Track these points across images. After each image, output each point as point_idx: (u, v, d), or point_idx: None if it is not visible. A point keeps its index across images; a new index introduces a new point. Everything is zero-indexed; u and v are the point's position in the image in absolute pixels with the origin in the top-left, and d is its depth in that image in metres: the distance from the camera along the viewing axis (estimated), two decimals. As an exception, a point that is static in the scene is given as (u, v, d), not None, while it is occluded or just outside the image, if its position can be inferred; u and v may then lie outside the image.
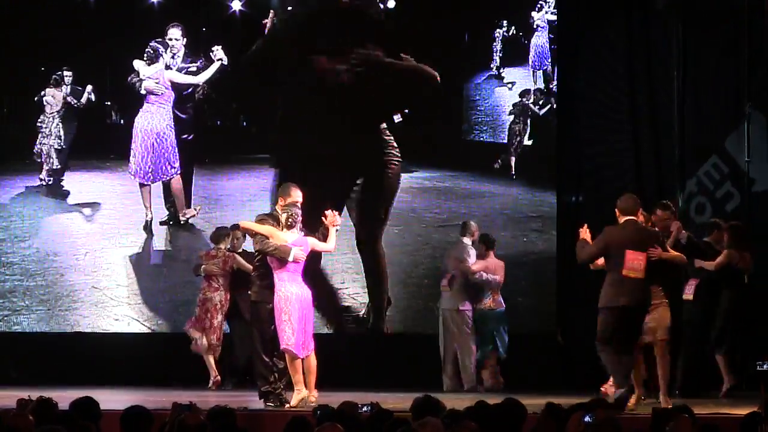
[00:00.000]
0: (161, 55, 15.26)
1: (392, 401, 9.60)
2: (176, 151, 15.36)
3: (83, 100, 15.48)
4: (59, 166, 15.60)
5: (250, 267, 13.35)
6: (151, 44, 15.23)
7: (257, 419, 10.00)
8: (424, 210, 14.69)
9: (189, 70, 15.40)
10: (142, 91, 15.29)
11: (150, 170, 15.40)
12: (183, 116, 15.44)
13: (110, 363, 13.67)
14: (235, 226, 13.85)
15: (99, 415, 8.64)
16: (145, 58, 15.26)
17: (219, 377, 13.95)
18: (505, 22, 15.26)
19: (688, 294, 12.80)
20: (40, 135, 15.57)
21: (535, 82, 15.38)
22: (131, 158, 15.32)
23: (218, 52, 15.23)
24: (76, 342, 14.69)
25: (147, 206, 15.36)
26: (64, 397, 8.78)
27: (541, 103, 15.17)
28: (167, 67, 15.36)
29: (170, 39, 15.28)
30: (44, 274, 15.31)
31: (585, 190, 14.01)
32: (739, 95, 14.40)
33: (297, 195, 11.69)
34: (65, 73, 15.50)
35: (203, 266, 14.18)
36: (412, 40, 14.96)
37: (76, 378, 10.40)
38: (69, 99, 15.56)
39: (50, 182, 15.59)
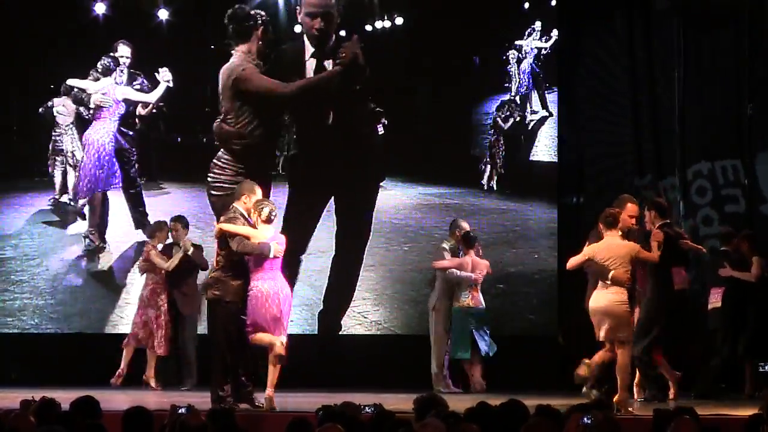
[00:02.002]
0: (113, 71, 15.27)
1: (393, 402, 9.60)
2: (116, 163, 15.41)
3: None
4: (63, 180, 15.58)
5: (163, 263, 13.88)
6: (103, 60, 15.22)
7: (257, 419, 10.01)
8: (433, 227, 14.73)
9: (134, 87, 15.43)
10: (92, 105, 15.31)
11: (95, 181, 15.40)
12: (129, 132, 15.52)
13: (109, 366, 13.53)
14: (177, 218, 14.08)
15: (99, 415, 8.74)
16: (98, 73, 15.26)
17: (123, 372, 13.83)
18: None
19: (716, 302, 12.82)
20: (53, 150, 15.61)
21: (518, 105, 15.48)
22: (80, 171, 15.40)
23: (165, 74, 15.23)
24: (80, 345, 14.82)
25: (94, 224, 15.49)
26: (67, 398, 8.91)
27: (503, 117, 15.31)
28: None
29: (121, 56, 15.27)
30: (56, 293, 15.39)
31: (585, 195, 13.98)
32: (740, 97, 14.40)
33: (260, 191, 11.85)
34: (71, 82, 15.45)
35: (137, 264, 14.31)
36: (422, 67, 15.33)
37: (78, 380, 10.37)
38: (80, 109, 15.56)
39: (71, 199, 15.64)
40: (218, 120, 14.39)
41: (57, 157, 15.51)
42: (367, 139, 15.28)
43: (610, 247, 11.38)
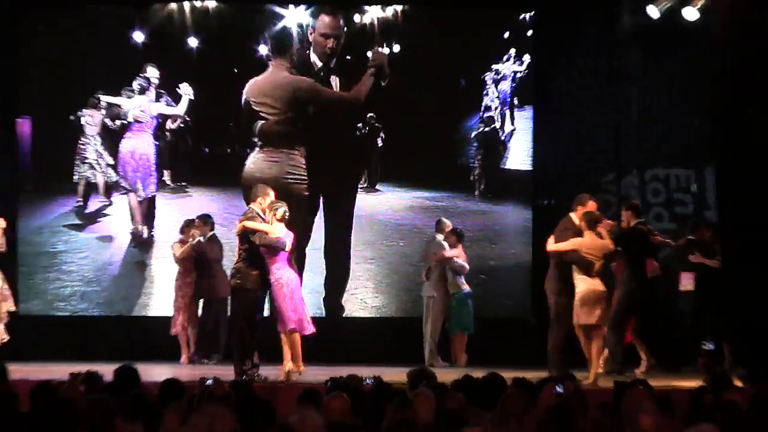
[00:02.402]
0: (147, 90, 15.22)
1: (390, 375, 9.61)
2: (155, 171, 15.39)
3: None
4: (96, 182, 15.51)
5: (176, 253, 14.05)
6: (137, 80, 15.14)
7: (274, 390, 9.96)
8: (424, 226, 14.72)
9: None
10: (130, 119, 15.24)
11: (144, 183, 15.35)
12: (157, 143, 15.43)
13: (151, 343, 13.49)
14: (201, 216, 14.18)
15: (139, 384, 8.76)
16: (131, 91, 15.21)
17: (188, 355, 13.95)
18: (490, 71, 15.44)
19: (687, 285, 12.90)
20: (79, 156, 15.46)
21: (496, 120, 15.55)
22: (121, 179, 15.35)
23: (186, 88, 15.19)
24: (121, 326, 14.80)
25: (138, 223, 15.36)
26: (110, 372, 8.94)
27: (484, 131, 15.49)
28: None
29: (151, 77, 15.21)
30: (101, 278, 15.37)
31: (556, 198, 13.98)
32: (691, 113, 14.42)
33: (273, 193, 11.93)
34: (101, 96, 15.36)
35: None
36: (416, 88, 15.29)
37: (119, 356, 10.35)
38: (106, 120, 15.45)
39: (109, 202, 15.54)
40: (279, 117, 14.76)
41: (82, 164, 15.37)
42: (365, 150, 15.43)
43: (593, 243, 11.60)
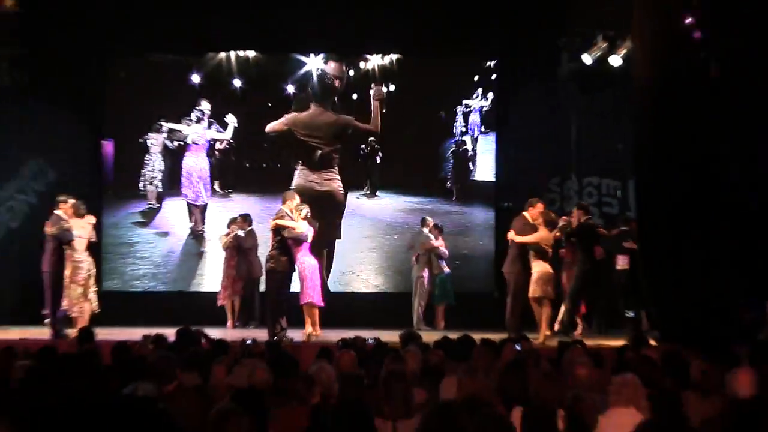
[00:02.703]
0: (202, 119, 15.21)
1: (387, 336, 9.60)
2: (209, 181, 15.40)
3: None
4: (162, 191, 15.49)
5: (221, 243, 14.08)
6: (195, 112, 15.18)
7: (298, 348, 9.92)
8: (414, 223, 14.62)
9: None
10: (189, 142, 15.28)
11: (198, 193, 15.34)
12: (209, 160, 15.41)
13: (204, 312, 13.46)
14: (243, 215, 14.18)
15: (197, 342, 8.76)
16: (192, 120, 15.25)
17: (233, 322, 13.95)
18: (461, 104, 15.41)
19: (623, 265, 12.85)
20: (145, 169, 15.41)
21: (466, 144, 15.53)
22: (183, 188, 15.33)
23: (231, 118, 15.19)
24: (181, 298, 14.73)
25: (198, 220, 15.35)
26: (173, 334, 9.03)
27: (458, 151, 15.50)
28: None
29: (205, 109, 15.21)
30: (166, 263, 15.37)
31: (514, 201, 13.88)
32: (617, 137, 14.40)
33: (298, 198, 12.21)
34: (163, 123, 15.35)
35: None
36: (407, 118, 15.25)
37: (180, 321, 10.29)
38: (166, 142, 15.41)
39: (158, 206, 15.47)
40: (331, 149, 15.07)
41: (146, 175, 15.34)
42: (367, 165, 15.43)
43: (547, 236, 11.94)
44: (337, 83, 15.12)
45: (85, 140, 15.23)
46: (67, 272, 12.39)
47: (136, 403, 1.24)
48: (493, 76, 15.26)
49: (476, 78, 15.30)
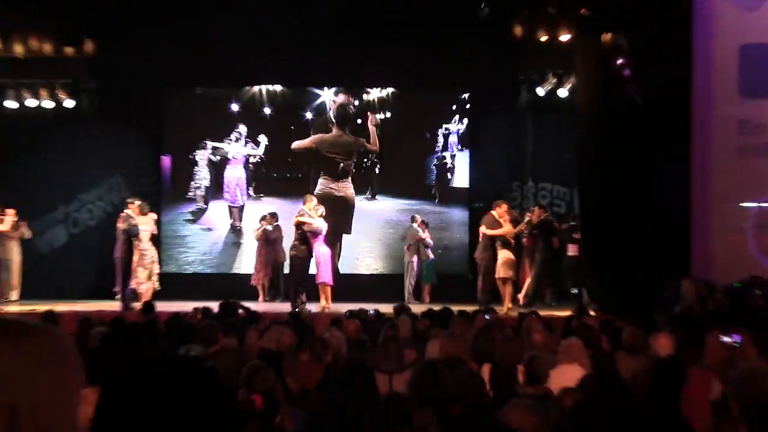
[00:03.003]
0: (240, 139, 15.16)
1: (384, 308, 9.58)
2: (245, 187, 15.35)
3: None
4: (206, 195, 15.39)
5: (254, 235, 14.02)
6: (234, 133, 15.12)
7: (314, 318, 9.97)
8: (406, 220, 14.48)
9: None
10: (229, 157, 15.22)
11: (236, 197, 15.27)
12: (246, 171, 15.33)
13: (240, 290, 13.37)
14: (271, 213, 14.04)
15: (236, 313, 8.74)
16: (231, 139, 15.18)
17: (264, 297, 13.77)
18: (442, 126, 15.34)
19: (574, 252, 12.76)
20: (194, 178, 15.32)
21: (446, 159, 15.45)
22: (225, 193, 15.28)
23: (263, 138, 15.11)
24: (223, 280, 14.59)
25: (237, 218, 15.27)
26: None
27: (439, 164, 15.34)
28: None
29: (242, 131, 15.16)
30: (211, 252, 15.31)
31: (483, 203, 13.86)
32: (564, 153, 14.31)
33: (316, 200, 12.28)
34: (208, 142, 15.28)
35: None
36: (400, 139, 15.15)
37: (223, 296, 10.24)
38: (210, 156, 15.34)
39: (205, 207, 15.35)
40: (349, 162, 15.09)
41: (195, 183, 15.27)
42: (369, 175, 15.32)
43: (510, 230, 12.04)
44: (351, 112, 15.11)
45: (148, 156, 15.20)
46: (135, 258, 12.44)
47: (190, 361, 1.22)
48: (467, 106, 15.17)
49: (453, 107, 15.21)
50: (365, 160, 15.25)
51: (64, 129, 14.90)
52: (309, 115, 15.20)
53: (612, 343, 6.65)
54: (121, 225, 12.51)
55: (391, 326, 7.13)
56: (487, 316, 8.46)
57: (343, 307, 10.05)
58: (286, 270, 13.18)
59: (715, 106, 10.33)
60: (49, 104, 14.79)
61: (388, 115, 15.14)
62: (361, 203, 15.20)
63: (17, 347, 1.42)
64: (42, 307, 10.53)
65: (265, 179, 15.39)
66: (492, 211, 12.27)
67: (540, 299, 12.51)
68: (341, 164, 15.06)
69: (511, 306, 11.71)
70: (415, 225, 13.97)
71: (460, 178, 15.23)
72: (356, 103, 15.18)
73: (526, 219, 12.65)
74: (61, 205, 15.06)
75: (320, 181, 15.00)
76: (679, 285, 9.40)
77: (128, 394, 1.28)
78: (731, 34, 10.26)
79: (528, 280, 12.58)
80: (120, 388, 1.29)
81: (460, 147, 15.22)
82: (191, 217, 15.36)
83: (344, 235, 14.87)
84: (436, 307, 9.31)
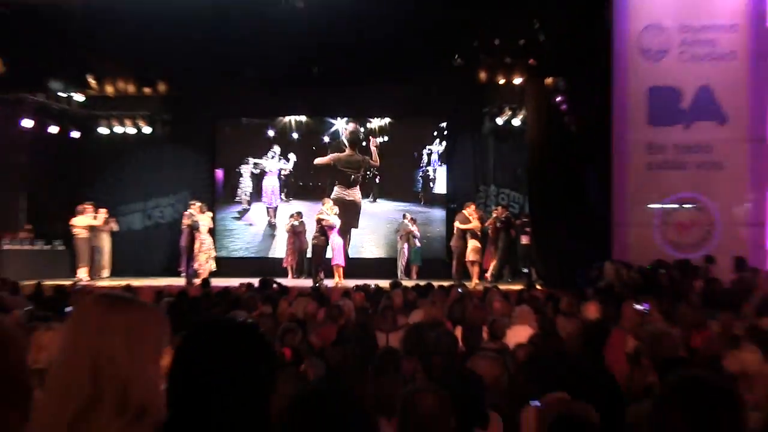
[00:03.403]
0: (274, 156, 15.05)
1: (382, 284, 9.49)
2: (279, 193, 15.21)
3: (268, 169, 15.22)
4: (249, 199, 15.25)
5: (285, 230, 13.75)
6: (270, 152, 15.03)
7: (330, 290, 9.90)
8: (399, 217, 14.35)
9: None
10: (267, 171, 15.09)
11: (272, 200, 15.15)
12: (279, 181, 15.17)
13: (275, 270, 13.30)
14: (298, 212, 13.74)
15: (270, 286, 8.70)
16: (268, 157, 15.06)
17: (292, 275, 13.48)
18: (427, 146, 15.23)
19: (526, 241, 12.57)
20: (240, 186, 15.20)
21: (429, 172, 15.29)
22: (263, 197, 15.14)
23: (292, 156, 15.01)
24: (262, 263, 14.43)
25: (272, 216, 15.11)
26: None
27: (425, 176, 15.19)
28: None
29: (276, 151, 15.08)
30: (253, 241, 15.19)
31: (457, 204, 13.80)
32: (516, 168, 14.23)
33: (331, 202, 12.37)
34: (250, 159, 15.16)
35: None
36: (394, 156, 15.02)
37: (261, 275, 10.19)
38: (252, 170, 15.19)
39: (248, 208, 15.22)
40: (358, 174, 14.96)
41: (240, 189, 15.16)
42: (371, 184, 15.24)
43: (478, 225, 12.09)
44: (361, 136, 15.08)
45: (205, 169, 15.18)
46: (196, 246, 12.47)
47: (246, 324, 1.22)
48: (444, 132, 15.06)
49: (434, 133, 15.10)
50: (368, 172, 15.14)
51: (143, 149, 15.08)
52: (326, 139, 15.12)
53: (553, 310, 6.65)
54: (185, 221, 12.58)
55: (388, 297, 7.12)
56: (459, 290, 8.44)
57: (352, 283, 10.03)
58: (309, 255, 13.12)
59: (629, 132, 10.32)
60: (131, 131, 15.11)
61: (386, 138, 15.05)
62: (365, 205, 15.11)
63: (120, 315, 1.44)
64: (125, 282, 10.53)
65: (293, 187, 15.29)
66: (463, 211, 12.27)
67: (501, 277, 12.51)
68: (352, 176, 14.98)
69: (477, 282, 11.70)
70: (405, 221, 13.88)
71: (440, 186, 15.11)
72: (362, 129, 15.11)
73: (494, 215, 12.67)
74: (140, 202, 15.17)
75: (335, 188, 14.89)
76: (603, 266, 9.41)
77: (200, 348, 1.25)
78: (642, 79, 10.25)
79: (493, 263, 12.53)
80: (193, 345, 1.26)
81: (439, 163, 15.13)
82: (237, 216, 15.26)
83: (353, 229, 14.78)
84: (422, 283, 9.28)
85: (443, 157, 15.09)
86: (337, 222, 12.03)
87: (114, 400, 1.33)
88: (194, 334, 1.29)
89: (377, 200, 15.26)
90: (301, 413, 1.18)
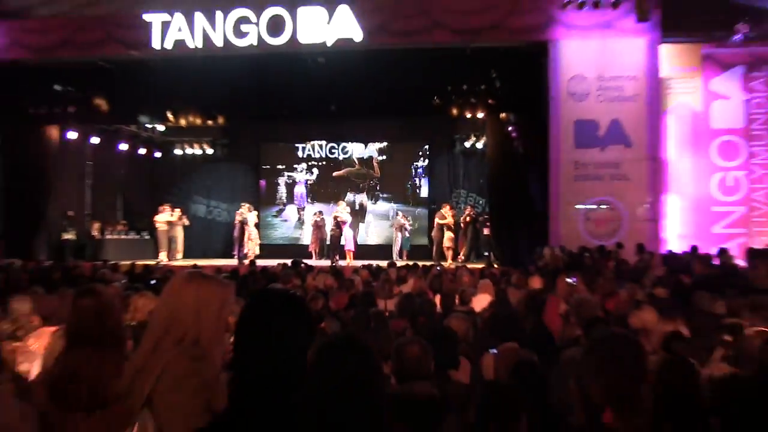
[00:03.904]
0: (303, 170, 14.76)
1: (382, 264, 9.42)
2: (307, 198, 14.93)
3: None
4: (284, 202, 15.08)
5: (311, 224, 13.21)
6: (301, 166, 14.72)
7: (344, 268, 9.60)
8: (393, 216, 14.28)
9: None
10: (297, 181, 14.82)
11: (301, 202, 14.85)
12: (306, 188, 14.92)
13: (302, 253, 12.92)
14: (319, 211, 13.29)
15: (299, 265, 8.56)
16: (298, 170, 14.76)
17: (315, 257, 13.06)
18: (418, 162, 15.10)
19: (488, 233, 12.32)
20: (278, 193, 15.00)
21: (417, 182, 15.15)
22: (294, 200, 14.91)
23: (315, 170, 14.70)
24: (294, 247, 13.92)
25: (301, 214, 14.87)
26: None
27: (413, 184, 14.97)
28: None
29: (303, 166, 14.82)
30: (287, 232, 15.00)
31: (436, 203, 13.67)
32: (479, 177, 14.08)
33: (344, 203, 12.21)
34: (285, 172, 14.96)
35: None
36: (389, 171, 14.86)
37: (293, 257, 10.03)
38: (286, 180, 15.00)
39: (284, 208, 15.02)
40: (365, 183, 14.58)
41: (278, 194, 14.97)
42: (372, 189, 15.07)
43: (453, 221, 11.97)
44: (366, 156, 14.84)
45: (252, 180, 15.01)
46: (245, 236, 12.42)
47: (289, 293, 1.22)
48: (427, 152, 14.89)
49: (420, 153, 14.92)
50: (372, 181, 14.97)
51: (206, 165, 14.98)
52: (341, 157, 14.94)
53: (506, 283, 6.65)
54: (238, 217, 12.54)
55: (386, 273, 7.10)
56: (438, 268, 8.43)
57: (359, 263, 10.00)
58: (328, 242, 12.97)
59: (561, 153, 10.30)
60: (198, 151, 15.02)
61: (384, 157, 14.89)
62: (369, 205, 14.95)
63: (202, 286, 1.58)
64: (193, 262, 10.49)
65: (316, 192, 15.13)
66: (441, 210, 12.23)
67: (469, 258, 12.47)
68: (360, 184, 14.79)
69: (451, 262, 11.67)
70: (398, 217, 13.66)
71: (424, 191, 14.90)
72: (367, 150, 14.91)
73: (466, 212, 12.57)
74: (204, 198, 15.02)
75: (347, 194, 14.67)
76: (543, 250, 9.40)
77: (260, 310, 1.23)
78: (570, 114, 10.24)
79: (464, 249, 12.47)
80: (255, 307, 1.24)
81: (423, 174, 14.94)
82: (275, 214, 15.09)
83: (360, 224, 14.60)
84: (410, 263, 9.25)
85: (426, 171, 14.96)
86: (348, 218, 12.00)
87: (175, 338, 1.50)
88: (255, 300, 1.29)
89: (377, 202, 15.15)
90: (329, 354, 1.20)
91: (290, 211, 15.17)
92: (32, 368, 2.03)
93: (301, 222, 15.04)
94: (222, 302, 1.55)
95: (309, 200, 15.17)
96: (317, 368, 1.18)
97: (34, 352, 2.08)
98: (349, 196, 14.77)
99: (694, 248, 7.53)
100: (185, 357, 1.48)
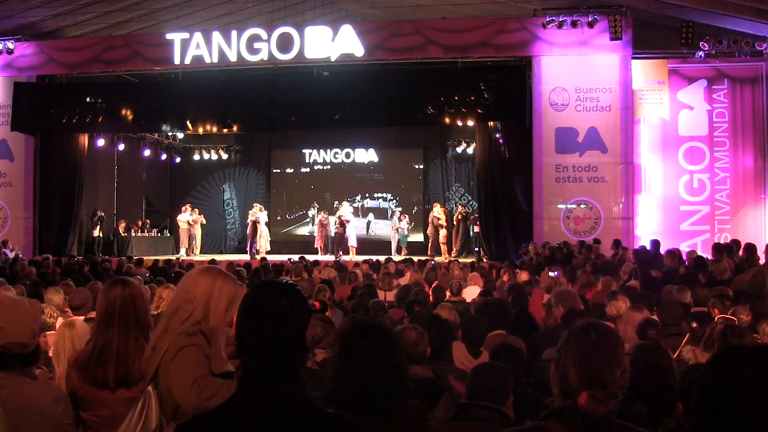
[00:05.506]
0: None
1: (381, 258, 9.33)
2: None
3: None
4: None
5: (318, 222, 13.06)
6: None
7: (346, 262, 9.67)
8: (391, 214, 14.18)
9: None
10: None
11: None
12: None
13: (310, 248, 12.97)
14: (324, 212, 13.23)
15: (305, 260, 8.51)
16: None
17: (321, 253, 12.93)
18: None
19: (478, 229, 12.14)
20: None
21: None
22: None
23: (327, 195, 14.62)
24: (303, 243, 13.90)
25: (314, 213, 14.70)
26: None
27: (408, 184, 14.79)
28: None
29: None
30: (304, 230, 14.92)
31: (431, 203, 13.56)
32: (470, 180, 13.99)
33: (348, 204, 11.94)
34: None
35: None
36: (388, 180, 14.73)
37: (303, 252, 10.01)
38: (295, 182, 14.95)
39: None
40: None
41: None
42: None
43: (445, 219, 11.78)
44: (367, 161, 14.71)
45: (263, 182, 14.88)
46: (257, 234, 12.37)
47: (290, 284, 1.22)
48: (422, 158, 14.77)
49: (415, 157, 14.83)
50: (372, 183, 14.82)
51: (222, 169, 14.92)
52: (344, 161, 14.83)
53: (496, 274, 6.63)
54: (251, 216, 12.50)
55: (385, 266, 7.09)
56: (432, 262, 8.41)
57: (361, 258, 9.93)
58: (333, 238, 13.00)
59: (543, 157, 10.30)
60: (214, 157, 14.94)
61: (383, 161, 14.74)
62: (370, 206, 14.84)
63: (210, 276, 1.64)
64: (210, 257, 10.47)
65: (322, 195, 14.99)
66: (434, 209, 12.18)
67: (460, 253, 12.44)
68: (362, 186, 14.61)
69: (445, 257, 11.64)
70: (397, 216, 13.58)
71: (420, 193, 14.80)
72: (368, 154, 14.79)
73: (458, 211, 12.45)
74: (220, 200, 14.96)
75: (350, 195, 14.45)
76: (528, 246, 9.40)
77: (261, 296, 1.22)
78: (551, 122, 10.24)
79: (457, 244, 12.42)
80: (257, 294, 1.24)
81: (419, 177, 14.95)
82: (299, 218, 14.98)
83: (361, 222, 14.41)
84: (407, 257, 9.23)
85: (421, 174, 14.88)
86: (351, 217, 11.95)
87: (181, 317, 1.56)
88: (257, 288, 1.29)
89: (378, 202, 15.08)
90: (360, 335, 1.33)
91: (309, 217, 14.90)
92: (63, 355, 2.04)
93: (308, 221, 14.97)
94: (232, 298, 1.56)
95: (315, 202, 15.11)
96: (350, 346, 1.29)
97: (66, 339, 2.10)
98: (352, 198, 14.72)
99: (656, 243, 7.53)
100: (184, 332, 1.53)
